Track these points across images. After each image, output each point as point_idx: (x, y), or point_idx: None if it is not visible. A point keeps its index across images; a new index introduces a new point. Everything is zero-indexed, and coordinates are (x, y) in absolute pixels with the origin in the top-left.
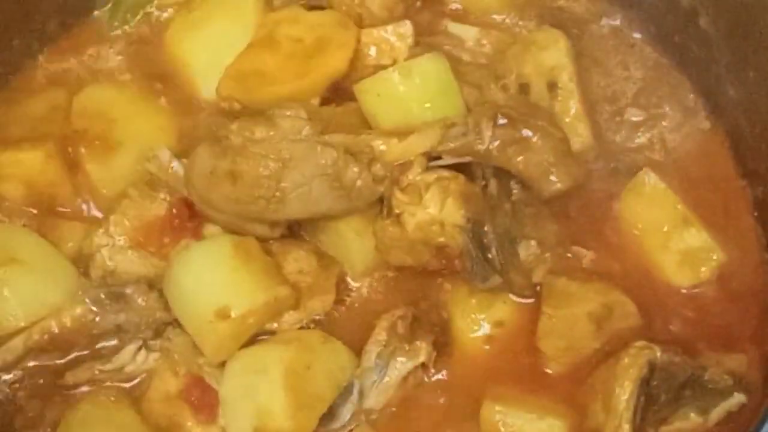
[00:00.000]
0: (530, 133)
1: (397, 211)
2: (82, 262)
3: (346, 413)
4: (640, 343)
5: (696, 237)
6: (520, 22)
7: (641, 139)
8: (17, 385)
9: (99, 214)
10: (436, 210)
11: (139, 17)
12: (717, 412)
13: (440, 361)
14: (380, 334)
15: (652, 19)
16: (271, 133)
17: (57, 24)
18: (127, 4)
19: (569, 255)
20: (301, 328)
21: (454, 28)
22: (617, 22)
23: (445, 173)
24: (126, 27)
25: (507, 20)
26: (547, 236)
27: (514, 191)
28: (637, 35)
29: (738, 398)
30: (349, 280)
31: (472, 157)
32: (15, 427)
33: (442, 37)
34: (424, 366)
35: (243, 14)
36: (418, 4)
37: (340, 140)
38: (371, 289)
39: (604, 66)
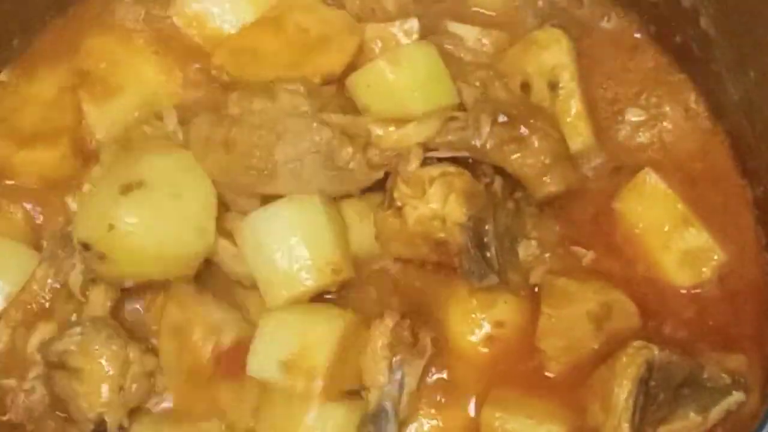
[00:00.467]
0: (529, 133)
1: (399, 203)
2: None
3: None
4: (638, 343)
5: (696, 237)
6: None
7: (641, 138)
8: None
9: None
10: (438, 205)
11: None
12: (716, 411)
13: (440, 361)
14: (383, 350)
15: (653, 19)
16: (269, 105)
17: None
18: None
19: (569, 255)
20: None
21: (454, 27)
22: (618, 22)
23: (451, 169)
24: None
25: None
26: (548, 236)
27: (518, 190)
28: (637, 35)
29: (737, 397)
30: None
31: (467, 152)
32: None
33: (443, 37)
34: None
35: None
36: None
37: (338, 120)
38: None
39: (605, 66)
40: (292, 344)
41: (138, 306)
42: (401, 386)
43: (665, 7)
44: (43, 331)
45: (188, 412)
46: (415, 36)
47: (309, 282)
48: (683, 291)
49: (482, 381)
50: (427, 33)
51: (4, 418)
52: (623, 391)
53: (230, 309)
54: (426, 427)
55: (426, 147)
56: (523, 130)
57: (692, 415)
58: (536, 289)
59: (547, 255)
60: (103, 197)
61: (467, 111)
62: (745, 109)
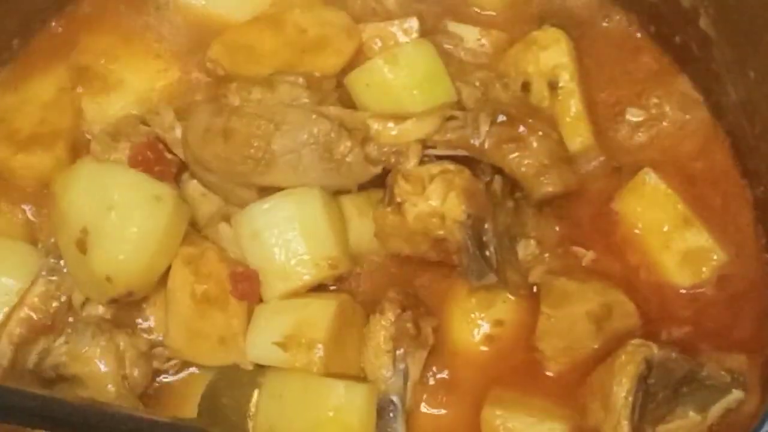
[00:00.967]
0: (528, 133)
1: (398, 199)
2: None
3: (399, 429)
4: (637, 341)
5: (696, 237)
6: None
7: (641, 138)
8: None
9: None
10: (438, 202)
11: None
12: (715, 410)
13: (441, 360)
14: (386, 343)
15: (653, 19)
16: (269, 95)
17: None
18: None
19: (569, 255)
20: None
21: (454, 27)
22: (618, 22)
23: (451, 166)
24: None
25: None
26: (548, 236)
27: (518, 190)
28: (637, 35)
29: (736, 395)
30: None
31: (466, 151)
32: None
33: (443, 36)
34: None
35: None
36: None
37: (336, 113)
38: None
39: (604, 66)
40: (287, 324)
41: None
42: (405, 377)
43: (665, 8)
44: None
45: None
46: (415, 35)
47: (306, 277)
48: (683, 291)
49: (482, 380)
50: (427, 32)
51: None
52: (622, 389)
53: None
54: (427, 425)
55: (425, 145)
56: (522, 129)
57: (691, 413)
58: (535, 289)
59: (546, 255)
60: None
61: (466, 110)
62: (745, 109)
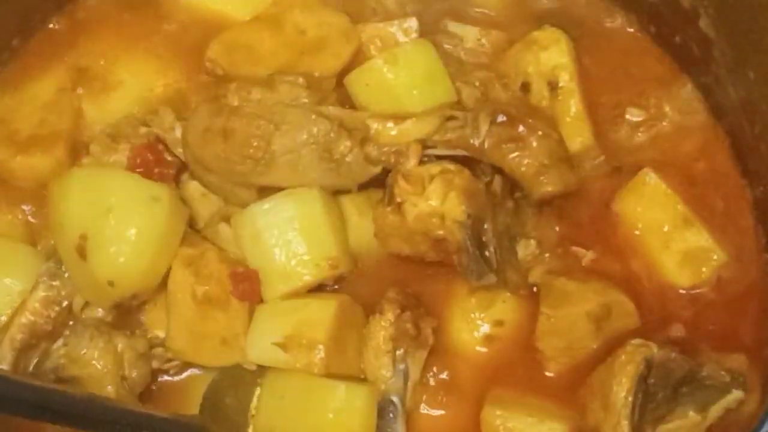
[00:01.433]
0: (527, 133)
1: (398, 199)
2: None
3: (399, 429)
4: (636, 341)
5: (696, 237)
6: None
7: (641, 138)
8: None
9: None
10: (437, 202)
11: None
12: (715, 410)
13: (441, 360)
14: (385, 344)
15: (653, 20)
16: (269, 95)
17: None
18: None
19: (569, 255)
20: None
21: (454, 27)
22: (618, 23)
23: (451, 166)
24: None
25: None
26: (548, 236)
27: (517, 190)
28: (637, 35)
29: (736, 395)
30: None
31: (466, 151)
32: None
33: (443, 36)
34: None
35: None
36: None
37: (336, 113)
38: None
39: (604, 66)
40: (288, 324)
41: None
42: (405, 378)
43: (665, 8)
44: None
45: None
46: (415, 35)
47: (307, 277)
48: (683, 291)
49: (482, 380)
50: (426, 33)
51: None
52: (622, 389)
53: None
54: (427, 426)
55: (425, 145)
56: (522, 129)
57: (691, 413)
58: (535, 289)
59: (546, 255)
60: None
61: (466, 110)
62: (745, 109)
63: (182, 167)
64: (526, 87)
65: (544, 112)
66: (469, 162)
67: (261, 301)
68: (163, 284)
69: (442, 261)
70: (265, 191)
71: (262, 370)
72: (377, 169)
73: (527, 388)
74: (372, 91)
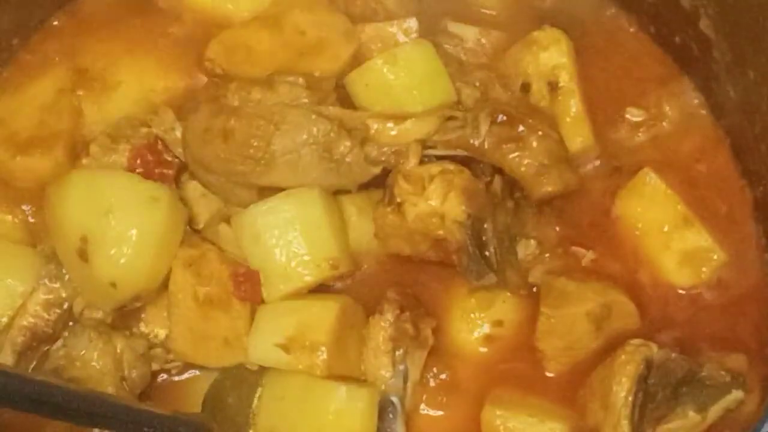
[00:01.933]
0: (527, 133)
1: (398, 199)
2: None
3: (399, 430)
4: (636, 341)
5: (696, 237)
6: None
7: (641, 138)
8: None
9: None
10: (437, 202)
11: None
12: (715, 410)
13: (441, 361)
14: (385, 344)
15: (653, 20)
16: (268, 95)
17: None
18: None
19: (569, 255)
20: None
21: (454, 27)
22: (618, 23)
23: (451, 166)
24: None
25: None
26: (548, 236)
27: (517, 190)
28: (637, 36)
29: (736, 395)
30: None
31: (466, 151)
32: None
33: (443, 36)
34: None
35: None
36: None
37: (336, 113)
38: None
39: (604, 66)
40: (290, 326)
41: None
42: (405, 378)
43: (665, 8)
44: None
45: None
46: (415, 35)
47: (307, 277)
48: (683, 291)
49: (482, 380)
50: (426, 33)
51: None
52: (622, 389)
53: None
54: (427, 426)
55: (424, 145)
56: (522, 129)
57: (691, 413)
58: (535, 289)
59: (546, 255)
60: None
61: (466, 110)
62: (745, 109)
63: (182, 167)
64: (526, 87)
65: (544, 112)
66: (469, 162)
67: (262, 301)
68: (164, 286)
69: (442, 261)
70: (265, 191)
71: (263, 370)
72: (377, 169)
73: (527, 388)
74: (372, 91)
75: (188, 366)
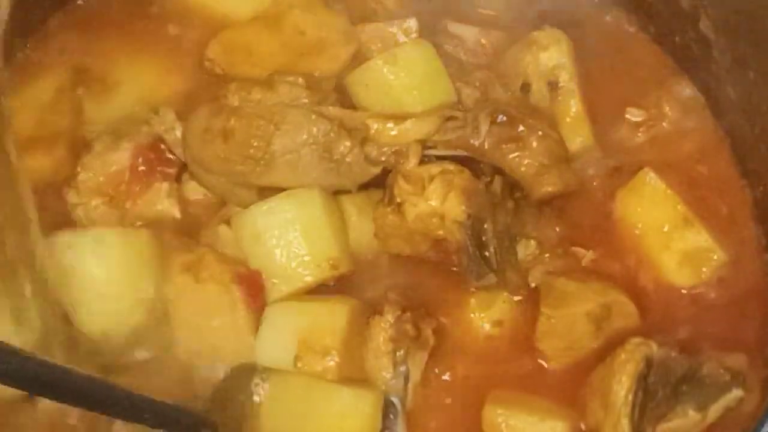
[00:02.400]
0: (527, 133)
1: (398, 199)
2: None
3: (400, 430)
4: (636, 339)
5: (696, 237)
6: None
7: (641, 139)
8: None
9: None
10: (437, 203)
11: None
12: (715, 409)
13: (442, 361)
14: (385, 345)
15: (653, 20)
16: (268, 95)
17: None
18: None
19: (569, 255)
20: None
21: (454, 27)
22: (618, 23)
23: (450, 166)
24: None
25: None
26: (548, 236)
27: (517, 190)
28: (637, 36)
29: (736, 393)
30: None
31: (466, 151)
32: None
33: (443, 37)
34: None
35: None
36: None
37: (336, 113)
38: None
39: (604, 66)
40: (299, 329)
41: None
42: (406, 379)
43: (665, 8)
44: None
45: None
46: (415, 35)
47: (308, 278)
48: (683, 291)
49: (483, 380)
50: (426, 33)
51: None
52: (622, 388)
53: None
54: (428, 425)
55: (425, 145)
56: (522, 129)
57: (691, 412)
58: (534, 285)
59: (546, 255)
60: None
61: (466, 110)
62: (745, 109)
63: (184, 167)
64: (526, 87)
65: (544, 112)
66: (469, 162)
67: (265, 301)
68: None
69: (442, 261)
70: (264, 192)
71: (266, 370)
72: (377, 169)
73: (528, 387)
74: (372, 91)
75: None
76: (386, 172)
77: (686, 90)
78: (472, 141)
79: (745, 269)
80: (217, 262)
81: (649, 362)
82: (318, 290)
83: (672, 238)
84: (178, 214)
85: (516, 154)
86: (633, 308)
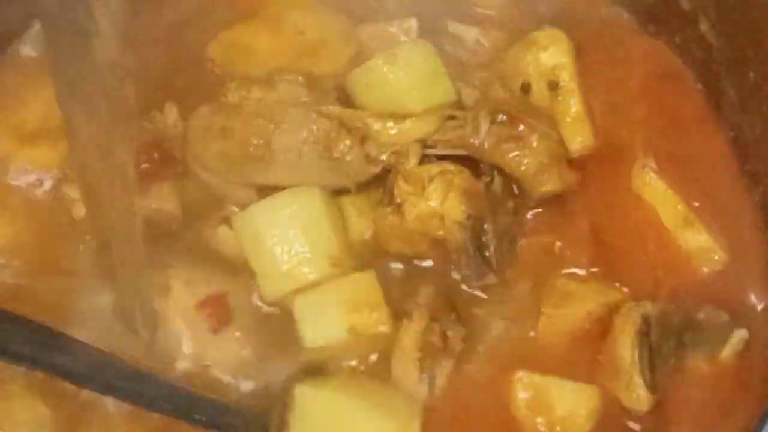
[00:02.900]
0: (527, 133)
1: (398, 200)
2: None
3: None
4: (629, 304)
5: (696, 237)
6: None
7: (641, 138)
8: None
9: None
10: (437, 203)
11: None
12: (725, 356)
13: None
14: (413, 353)
15: (653, 20)
16: (268, 94)
17: None
18: None
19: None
20: None
21: (454, 27)
22: (618, 23)
23: (451, 167)
24: None
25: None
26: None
27: (518, 190)
28: (637, 35)
29: (739, 334)
30: None
31: (466, 151)
32: None
33: (443, 37)
34: None
35: None
36: None
37: (336, 112)
38: None
39: (604, 66)
40: (345, 299)
41: None
42: (432, 386)
43: (665, 9)
44: None
45: None
46: (414, 35)
47: (310, 276)
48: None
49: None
50: (426, 33)
51: None
52: (626, 349)
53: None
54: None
55: (424, 144)
56: (522, 129)
57: (702, 362)
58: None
59: None
60: None
61: (466, 110)
62: (745, 109)
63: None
64: (526, 87)
65: (544, 112)
66: (469, 162)
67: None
68: None
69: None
70: (264, 191)
71: (291, 387)
72: (377, 169)
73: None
74: (372, 90)
75: None
76: (386, 172)
77: (686, 90)
78: (472, 140)
79: (746, 269)
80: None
81: (646, 320)
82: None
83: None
84: (178, 213)
85: (516, 153)
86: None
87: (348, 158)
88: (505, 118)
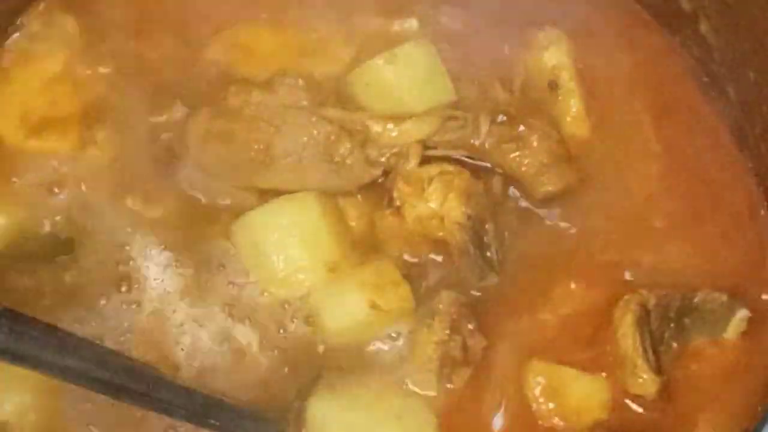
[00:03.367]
0: (528, 133)
1: (398, 201)
2: None
3: None
4: (626, 296)
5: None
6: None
7: (641, 138)
8: None
9: None
10: (437, 204)
11: None
12: (729, 339)
13: None
14: (431, 362)
15: (653, 20)
16: (269, 98)
17: None
18: None
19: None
20: None
21: (454, 27)
22: (618, 23)
23: (450, 168)
24: None
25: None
26: None
27: (518, 190)
28: (637, 35)
29: (741, 314)
30: None
31: (466, 151)
32: None
33: (443, 37)
34: None
35: None
36: None
37: (337, 115)
38: None
39: (604, 65)
40: (364, 281)
41: None
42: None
43: (665, 9)
44: None
45: None
46: (414, 35)
47: (307, 282)
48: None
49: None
50: (426, 33)
51: None
52: (627, 338)
53: None
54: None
55: (425, 145)
56: (522, 129)
57: (706, 344)
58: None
59: None
60: None
61: (466, 110)
62: (745, 109)
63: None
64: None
65: (544, 112)
66: (468, 163)
67: None
68: None
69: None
70: (264, 194)
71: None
72: (378, 171)
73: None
74: (372, 91)
75: None
76: (387, 173)
77: (687, 89)
78: (472, 141)
79: (746, 269)
80: None
81: (645, 308)
82: None
83: None
84: (180, 218)
85: (516, 153)
86: None
87: (349, 161)
88: (505, 118)
